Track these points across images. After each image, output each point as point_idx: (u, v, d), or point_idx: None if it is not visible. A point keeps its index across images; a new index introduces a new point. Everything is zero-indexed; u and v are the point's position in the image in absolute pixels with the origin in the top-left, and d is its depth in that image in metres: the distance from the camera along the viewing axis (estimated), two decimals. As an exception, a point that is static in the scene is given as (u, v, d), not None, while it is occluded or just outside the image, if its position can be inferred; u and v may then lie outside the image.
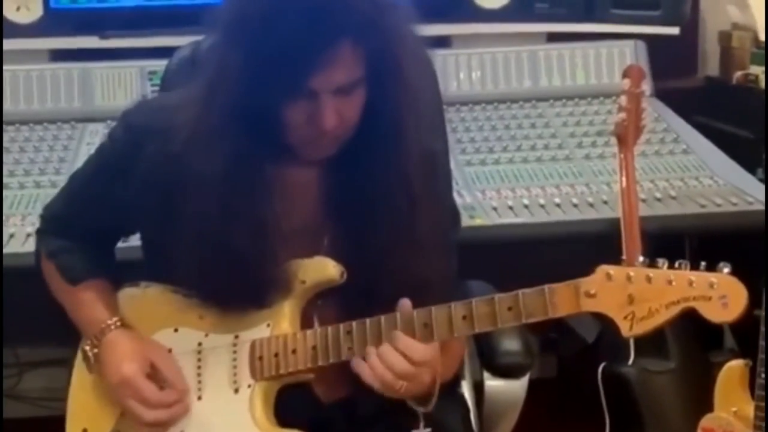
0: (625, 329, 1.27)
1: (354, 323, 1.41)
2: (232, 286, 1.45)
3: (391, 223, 1.45)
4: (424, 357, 1.38)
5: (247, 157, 1.41)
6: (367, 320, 1.40)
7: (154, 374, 1.50)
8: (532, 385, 1.83)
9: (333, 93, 1.36)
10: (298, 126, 1.39)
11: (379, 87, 1.40)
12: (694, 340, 2.13)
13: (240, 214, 1.42)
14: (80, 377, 1.60)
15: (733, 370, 1.85)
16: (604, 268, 1.29)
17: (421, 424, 1.47)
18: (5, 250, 2.00)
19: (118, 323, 1.54)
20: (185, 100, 1.46)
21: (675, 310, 1.25)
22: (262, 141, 1.41)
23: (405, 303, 1.41)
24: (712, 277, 1.24)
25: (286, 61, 1.32)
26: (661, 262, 1.27)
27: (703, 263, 1.26)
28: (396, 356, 1.38)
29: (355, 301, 1.46)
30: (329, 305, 1.50)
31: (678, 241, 2.30)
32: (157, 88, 2.29)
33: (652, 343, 2.08)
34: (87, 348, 1.56)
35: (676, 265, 1.27)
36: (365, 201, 1.46)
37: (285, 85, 1.34)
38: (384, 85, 1.40)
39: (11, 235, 2.05)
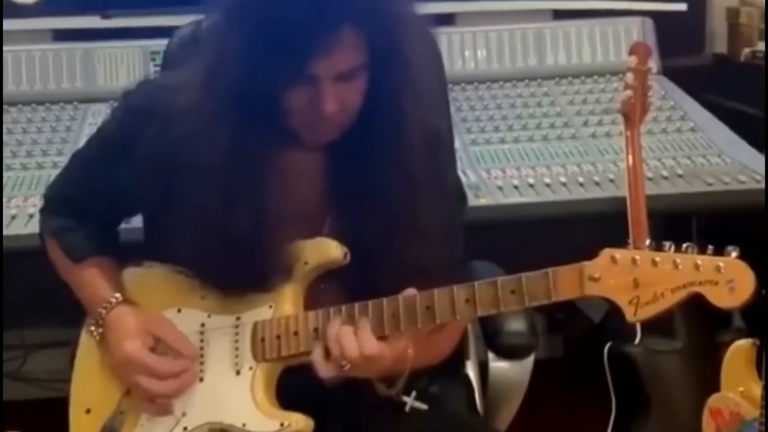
0: (630, 314, 1.25)
1: (356, 305, 1.40)
2: (232, 269, 1.44)
3: (392, 210, 1.44)
4: (375, 354, 1.36)
5: (248, 140, 1.40)
6: (370, 303, 1.39)
7: (158, 348, 1.49)
8: (538, 366, 1.82)
9: (334, 79, 1.35)
10: (299, 111, 1.39)
11: (381, 73, 1.39)
12: (702, 319, 2.11)
13: (240, 198, 1.41)
14: (83, 358, 1.60)
15: (740, 349, 1.83)
16: (608, 252, 1.27)
17: (413, 395, 1.46)
18: (7, 232, 2.00)
19: (120, 299, 1.54)
20: (186, 80, 1.45)
21: (681, 295, 1.22)
22: (263, 125, 1.40)
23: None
24: (719, 261, 1.21)
25: (287, 46, 1.31)
26: (668, 245, 1.24)
27: (710, 247, 1.23)
28: (353, 344, 1.36)
29: (357, 286, 1.44)
30: (332, 290, 1.49)
31: (685, 220, 2.29)
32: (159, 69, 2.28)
33: (658, 322, 2.05)
34: (92, 329, 1.56)
35: (683, 248, 1.24)
36: (366, 186, 1.45)
37: (285, 70, 1.33)
38: (386, 71, 1.39)
39: (13, 217, 2.05)
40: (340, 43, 1.32)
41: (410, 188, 1.45)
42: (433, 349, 1.52)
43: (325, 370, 1.39)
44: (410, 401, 1.46)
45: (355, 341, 1.36)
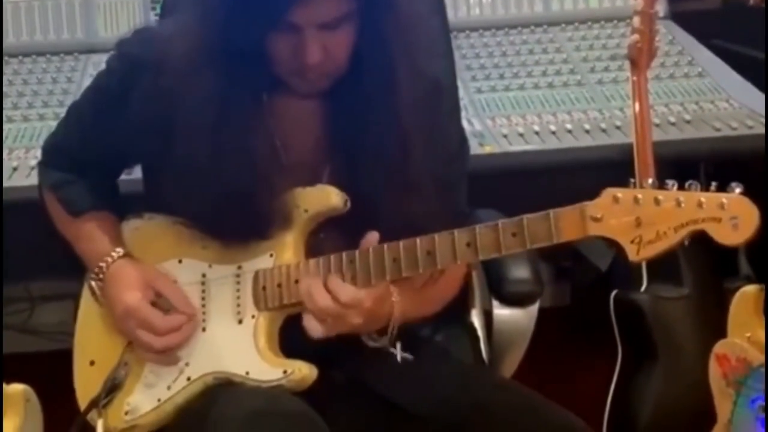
0: (632, 253, 1.23)
1: (356, 252, 1.39)
2: (230, 218, 1.44)
3: (384, 161, 1.44)
4: (352, 300, 1.36)
5: (239, 88, 1.39)
6: (370, 249, 1.38)
7: (159, 302, 1.49)
8: (545, 314, 1.81)
9: (317, 28, 1.35)
10: (284, 59, 1.39)
11: (371, 22, 1.38)
12: (708, 265, 2.10)
13: (234, 146, 1.40)
14: (86, 310, 1.60)
15: (747, 295, 1.82)
16: (610, 191, 1.25)
17: (398, 346, 1.46)
18: (10, 184, 1.99)
19: (121, 253, 1.53)
20: (180, 28, 1.44)
21: (683, 233, 1.20)
22: (254, 72, 1.40)
23: (372, 237, 1.39)
24: (722, 197, 1.19)
25: None
26: (671, 183, 1.22)
27: (714, 183, 1.21)
28: (323, 294, 1.37)
29: (358, 234, 1.43)
30: (333, 238, 1.48)
31: (693, 166, 2.27)
32: (160, 18, 2.26)
33: (665, 269, 2.06)
34: (92, 282, 1.55)
35: (686, 186, 1.22)
36: (361, 136, 1.44)
37: (266, 19, 1.34)
38: (375, 20, 1.38)
39: (14, 168, 2.05)
40: None
41: (404, 138, 1.44)
42: (427, 300, 1.52)
43: (313, 330, 1.38)
44: (398, 352, 1.46)
45: (324, 291, 1.36)
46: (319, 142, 1.50)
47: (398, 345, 1.46)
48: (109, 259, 1.53)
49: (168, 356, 1.48)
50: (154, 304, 1.49)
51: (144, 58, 1.47)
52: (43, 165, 1.67)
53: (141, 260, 1.54)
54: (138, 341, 1.48)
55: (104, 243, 1.55)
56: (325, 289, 1.37)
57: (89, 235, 1.57)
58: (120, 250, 1.53)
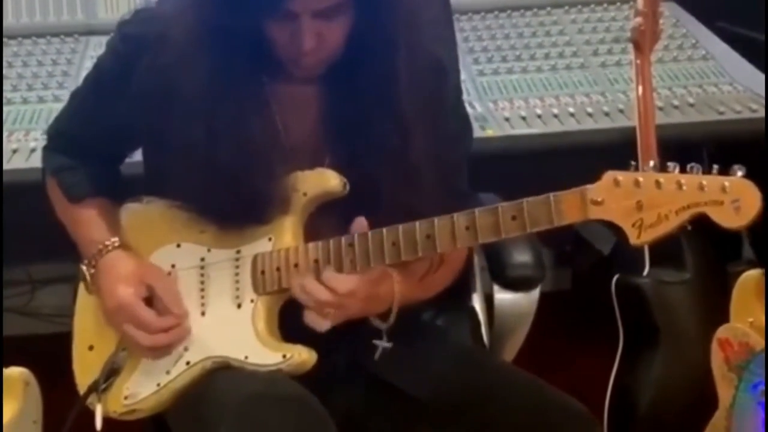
0: (633, 237, 1.22)
1: (356, 235, 1.38)
2: (228, 202, 1.43)
3: (384, 145, 1.43)
4: (350, 289, 1.37)
5: (238, 69, 1.39)
6: (369, 233, 1.38)
7: (151, 297, 1.48)
8: (546, 298, 1.81)
9: (313, 15, 1.35)
10: (281, 44, 1.39)
11: (369, 8, 1.37)
12: (710, 249, 2.09)
13: (233, 128, 1.40)
14: (85, 295, 1.60)
15: (749, 279, 1.81)
16: (611, 174, 1.24)
17: (384, 338, 1.46)
18: (9, 167, 1.98)
19: (116, 244, 1.52)
20: (180, 8, 1.43)
21: (685, 216, 1.19)
22: (253, 55, 1.39)
23: (360, 222, 1.39)
24: (724, 180, 1.18)
25: None
26: (672, 166, 1.22)
27: (715, 166, 1.20)
28: (318, 288, 1.37)
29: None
30: (333, 223, 1.46)
31: (696, 150, 2.26)
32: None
33: (667, 253, 2.05)
34: (84, 268, 1.55)
35: (688, 168, 1.21)
36: (362, 120, 1.43)
37: (264, 4, 1.34)
38: (372, 8, 1.37)
39: (14, 151, 2.04)
40: None
41: (404, 122, 1.43)
42: (427, 285, 1.51)
43: (318, 325, 1.39)
44: (382, 343, 1.46)
45: (318, 284, 1.37)
46: (320, 126, 1.49)
47: (384, 338, 1.46)
48: (103, 248, 1.52)
49: (156, 353, 1.47)
50: (147, 299, 1.48)
51: (144, 37, 1.46)
52: (47, 150, 1.66)
53: (137, 250, 1.53)
54: (126, 336, 1.48)
55: (101, 231, 1.54)
56: (321, 283, 1.37)
57: (87, 221, 1.57)
58: (116, 240, 1.53)
